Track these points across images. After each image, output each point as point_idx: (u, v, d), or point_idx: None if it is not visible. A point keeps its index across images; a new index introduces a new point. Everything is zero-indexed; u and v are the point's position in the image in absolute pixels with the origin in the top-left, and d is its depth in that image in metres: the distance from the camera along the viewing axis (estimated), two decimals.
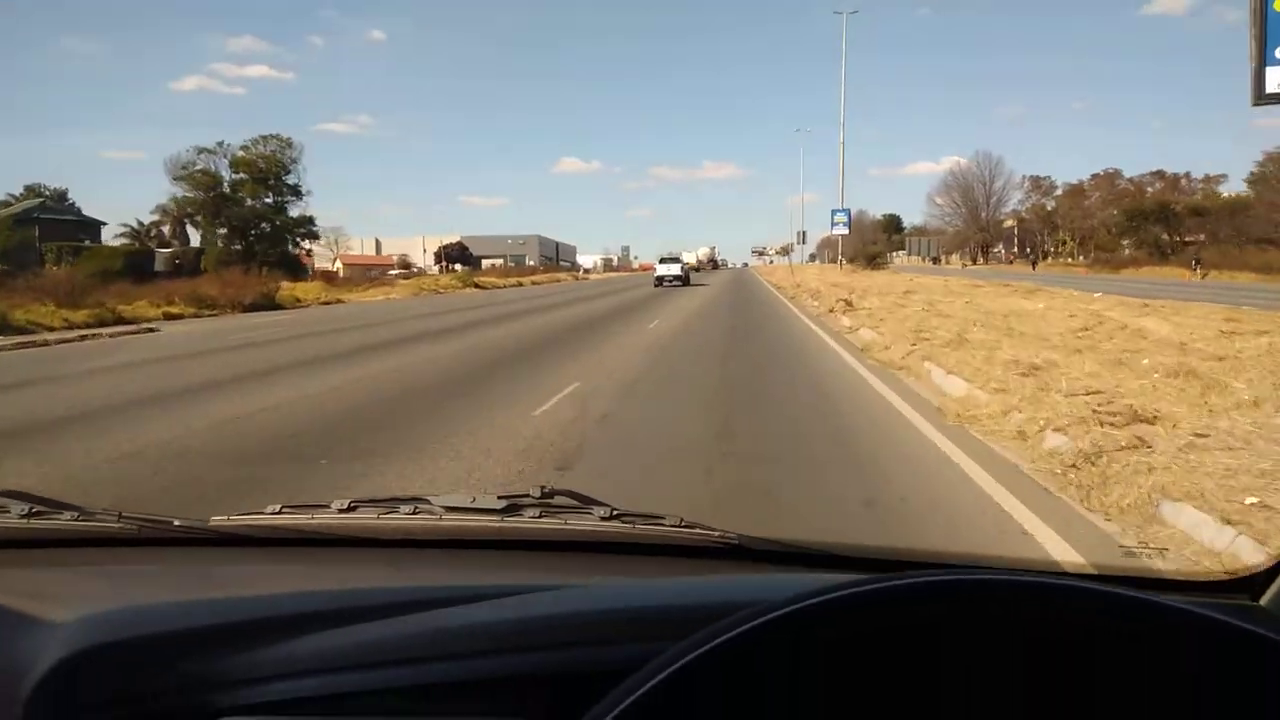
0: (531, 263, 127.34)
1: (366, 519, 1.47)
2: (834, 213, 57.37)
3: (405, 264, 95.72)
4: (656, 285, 47.33)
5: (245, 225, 53.11)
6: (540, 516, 1.42)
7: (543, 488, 1.51)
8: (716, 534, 1.36)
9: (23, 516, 1.45)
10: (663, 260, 51.90)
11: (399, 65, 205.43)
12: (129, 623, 0.99)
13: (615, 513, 1.42)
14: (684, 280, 49.13)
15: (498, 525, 1.41)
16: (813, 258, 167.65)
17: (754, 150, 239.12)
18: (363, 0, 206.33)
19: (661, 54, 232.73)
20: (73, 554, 1.46)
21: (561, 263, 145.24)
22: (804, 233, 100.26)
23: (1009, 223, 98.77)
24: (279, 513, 1.51)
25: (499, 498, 1.49)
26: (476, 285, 55.01)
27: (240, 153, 53.14)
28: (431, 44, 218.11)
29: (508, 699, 0.91)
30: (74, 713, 0.91)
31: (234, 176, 53.11)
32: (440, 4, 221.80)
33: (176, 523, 1.47)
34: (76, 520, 1.46)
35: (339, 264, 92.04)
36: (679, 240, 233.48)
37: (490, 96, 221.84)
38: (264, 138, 54.11)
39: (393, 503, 1.50)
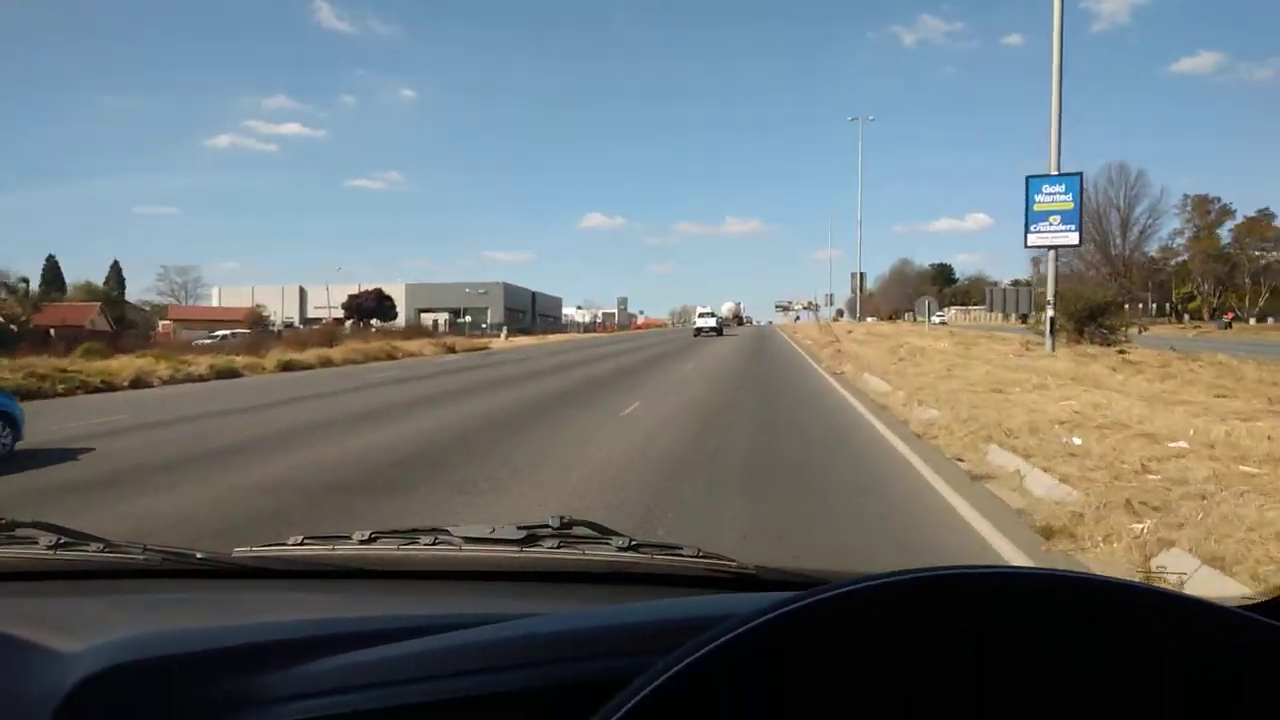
0: (491, 318, 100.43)
1: (387, 550, 1.50)
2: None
3: (258, 318, 67.27)
4: (695, 335, 55.45)
5: None
6: (559, 547, 1.45)
7: (561, 518, 1.53)
8: (734, 564, 1.40)
9: (50, 548, 1.48)
10: (700, 315, 63.47)
11: (428, 123, 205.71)
12: (147, 646, 1.00)
13: (633, 543, 1.45)
14: (718, 331, 57.47)
15: (516, 556, 1.44)
16: (839, 313, 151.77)
17: (777, 206, 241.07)
18: (394, 60, 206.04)
19: (686, 114, 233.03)
20: (97, 585, 1.47)
21: (543, 316, 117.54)
22: (831, 295, 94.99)
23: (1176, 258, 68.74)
24: (300, 544, 1.54)
25: (518, 528, 1.51)
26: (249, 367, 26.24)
27: None
28: (460, 103, 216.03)
29: (517, 712, 0.93)
30: None
31: None
32: (469, 64, 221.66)
33: (199, 554, 1.50)
34: (102, 552, 1.49)
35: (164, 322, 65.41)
36: (700, 296, 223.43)
37: (517, 153, 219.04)
38: None
39: (413, 534, 1.54)
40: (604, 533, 1.50)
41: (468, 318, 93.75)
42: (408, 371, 25.73)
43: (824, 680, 0.72)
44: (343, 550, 1.51)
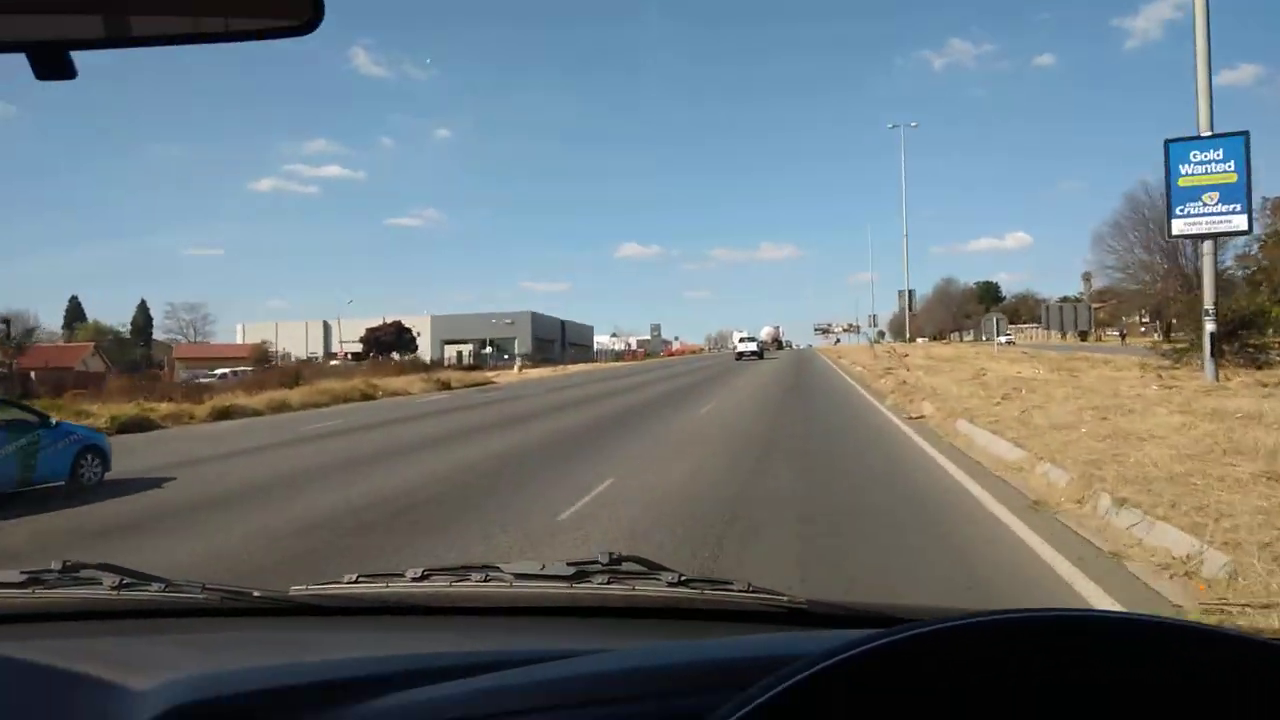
0: (518, 349, 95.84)
1: (439, 587, 1.51)
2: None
3: (263, 355, 62.87)
4: (737, 359, 58.77)
5: None
6: (609, 583, 1.45)
7: (611, 554, 1.52)
8: (785, 599, 1.39)
9: (113, 588, 1.50)
10: (741, 340, 68.88)
11: (464, 161, 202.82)
12: (210, 686, 1.01)
13: (683, 578, 1.44)
14: (759, 355, 62.64)
15: (568, 592, 1.44)
16: (881, 335, 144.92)
17: (812, 230, 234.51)
18: (430, 103, 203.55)
19: (718, 144, 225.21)
20: (159, 624, 1.49)
21: (573, 345, 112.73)
22: (875, 316, 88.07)
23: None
24: (355, 582, 1.55)
25: (568, 564, 1.51)
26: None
27: None
28: (495, 141, 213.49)
29: None
30: None
31: None
32: (502, 102, 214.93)
33: (256, 593, 1.52)
34: (163, 592, 1.52)
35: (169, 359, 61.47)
36: (736, 321, 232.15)
37: (552, 188, 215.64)
38: None
39: (464, 571, 1.54)
40: (653, 568, 1.51)
41: (489, 349, 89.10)
42: (361, 419, 20.50)
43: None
44: (396, 587, 1.52)
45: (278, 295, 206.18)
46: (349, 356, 72.41)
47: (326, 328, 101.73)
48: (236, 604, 1.51)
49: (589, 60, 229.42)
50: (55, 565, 1.59)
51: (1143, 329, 74.57)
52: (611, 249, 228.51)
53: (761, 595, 1.40)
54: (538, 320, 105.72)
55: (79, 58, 0.92)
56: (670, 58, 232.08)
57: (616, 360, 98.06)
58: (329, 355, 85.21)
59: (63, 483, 10.19)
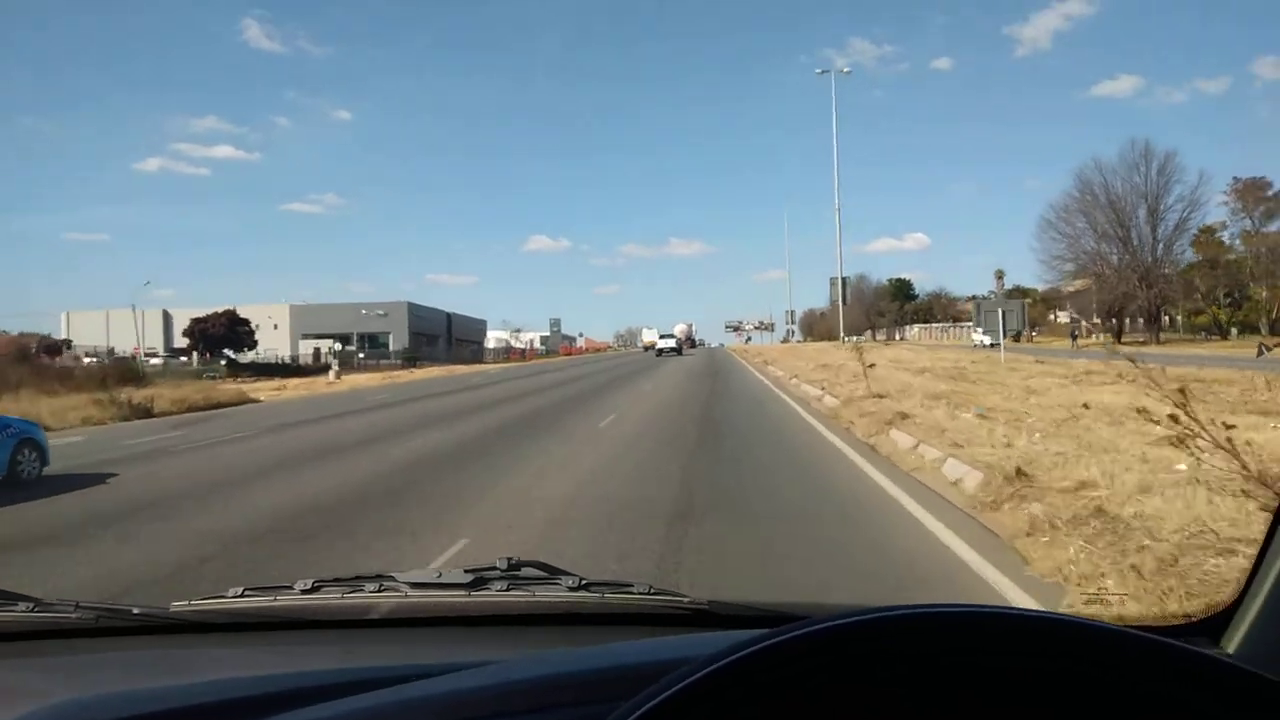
0: (394, 344, 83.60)
1: (330, 599, 1.45)
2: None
3: (22, 350, 48.81)
4: (657, 355, 61.87)
5: None
6: (508, 589, 1.42)
7: (509, 559, 1.51)
8: (686, 600, 1.39)
9: None
10: (662, 337, 73.60)
11: (366, 145, 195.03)
12: (80, 714, 0.97)
13: (584, 582, 1.42)
14: (678, 351, 65.73)
15: (464, 600, 1.41)
16: (790, 333, 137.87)
17: (720, 228, 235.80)
18: (326, 82, 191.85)
19: (626, 136, 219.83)
20: (29, 647, 1.41)
21: (461, 341, 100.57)
22: (793, 311, 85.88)
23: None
24: (241, 595, 1.49)
25: (465, 571, 1.47)
26: None
27: None
28: (398, 124, 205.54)
29: None
30: None
31: None
32: (406, 84, 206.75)
33: (135, 610, 1.46)
34: (32, 612, 1.43)
35: None
36: (647, 318, 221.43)
37: (459, 175, 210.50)
38: None
39: (357, 581, 1.49)
40: (553, 572, 1.48)
41: (340, 346, 76.55)
42: None
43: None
44: (285, 600, 1.46)
45: (167, 284, 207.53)
46: (206, 354, 59.35)
47: (167, 318, 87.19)
48: (113, 623, 1.43)
49: (495, 50, 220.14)
50: None
51: (1084, 329, 67.61)
52: (520, 241, 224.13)
53: (663, 598, 1.40)
54: (416, 312, 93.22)
55: None
56: (571, 43, 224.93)
57: (500, 362, 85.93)
58: (172, 350, 71.57)
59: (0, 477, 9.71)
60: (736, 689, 0.70)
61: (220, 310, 62.66)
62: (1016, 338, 76.17)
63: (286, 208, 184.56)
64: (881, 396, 14.04)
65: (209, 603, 1.48)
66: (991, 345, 39.40)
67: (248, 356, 64.55)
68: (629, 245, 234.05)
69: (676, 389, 22.44)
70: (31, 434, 10.58)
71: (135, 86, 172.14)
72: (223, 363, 57.62)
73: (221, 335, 60.84)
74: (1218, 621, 1.10)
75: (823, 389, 17.44)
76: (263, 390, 31.30)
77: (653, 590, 1.41)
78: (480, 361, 79.47)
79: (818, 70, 51.48)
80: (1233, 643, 1.07)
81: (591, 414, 16.43)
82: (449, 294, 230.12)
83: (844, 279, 49.64)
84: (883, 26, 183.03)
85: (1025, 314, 75.46)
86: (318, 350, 74.27)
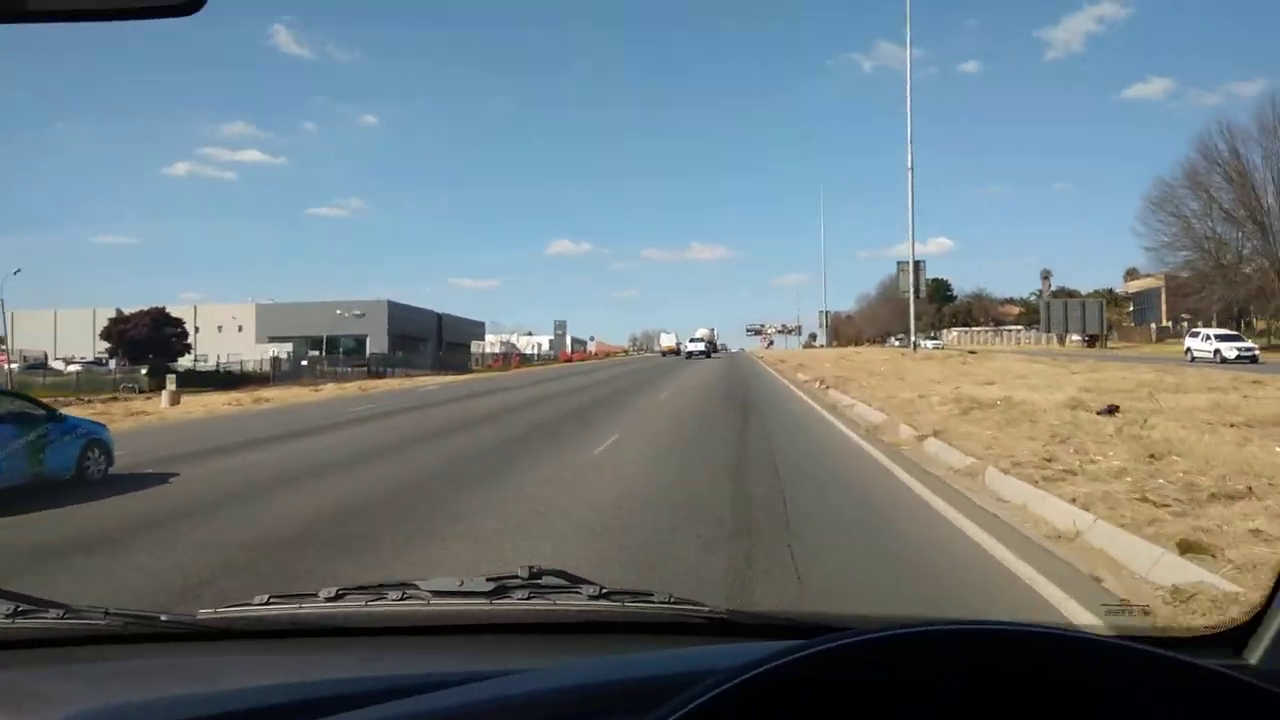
0: (373, 347, 73.39)
1: (354, 607, 1.45)
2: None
3: None
4: (687, 358, 64.14)
5: None
6: (529, 598, 1.42)
7: (531, 568, 1.49)
8: (706, 609, 1.39)
9: (7, 616, 1.42)
10: (691, 340, 77.87)
11: (391, 150, 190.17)
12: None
13: (604, 591, 1.42)
14: (707, 354, 68.24)
15: (487, 609, 1.41)
16: (813, 337, 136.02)
17: (741, 232, 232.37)
18: (355, 88, 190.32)
19: (651, 144, 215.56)
20: (59, 654, 1.42)
21: (453, 345, 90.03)
22: (827, 312, 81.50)
23: None
24: (267, 603, 1.49)
25: (487, 579, 1.47)
26: None
27: None
28: (424, 129, 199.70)
29: None
30: None
31: None
32: (431, 90, 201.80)
33: (163, 618, 1.47)
34: (62, 619, 1.44)
35: None
36: (666, 322, 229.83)
37: (482, 179, 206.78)
38: None
39: (380, 589, 1.49)
40: (574, 581, 1.48)
41: (313, 351, 66.29)
42: None
43: None
44: (309, 608, 1.46)
45: (191, 286, 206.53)
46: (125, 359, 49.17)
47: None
48: (142, 630, 1.44)
49: (520, 56, 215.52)
50: None
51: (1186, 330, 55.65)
52: (542, 245, 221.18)
53: (683, 607, 1.39)
54: (397, 312, 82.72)
55: None
56: (598, 55, 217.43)
57: (483, 370, 75.20)
58: (65, 358, 61.77)
59: (69, 477, 9.97)
60: (756, 701, 0.71)
61: (144, 310, 52.27)
62: (1092, 342, 65.40)
63: (312, 212, 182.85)
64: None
65: (235, 610, 1.48)
66: (1241, 357, 27.83)
67: (185, 362, 54.46)
68: (650, 249, 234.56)
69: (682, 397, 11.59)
70: (99, 435, 10.86)
71: (164, 92, 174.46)
72: (143, 371, 47.37)
73: (144, 338, 50.47)
74: (1241, 633, 1.11)
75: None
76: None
77: (673, 599, 1.40)
78: (467, 370, 68.70)
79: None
80: (1255, 654, 1.06)
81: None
82: (472, 297, 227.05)
83: (915, 263, 37.30)
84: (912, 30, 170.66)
85: (1104, 315, 64.06)
86: (276, 357, 64.02)
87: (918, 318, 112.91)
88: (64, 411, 11.23)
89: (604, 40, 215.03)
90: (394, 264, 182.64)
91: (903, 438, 11.55)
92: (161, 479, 10.25)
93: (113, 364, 52.21)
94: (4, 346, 56.50)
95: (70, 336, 76.16)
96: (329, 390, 35.04)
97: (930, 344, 70.91)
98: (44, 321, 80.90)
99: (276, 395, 31.04)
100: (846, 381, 22.56)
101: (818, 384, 23.48)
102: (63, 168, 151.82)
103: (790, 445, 11.79)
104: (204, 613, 1.47)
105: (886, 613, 2.86)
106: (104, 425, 11.72)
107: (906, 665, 0.73)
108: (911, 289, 37.98)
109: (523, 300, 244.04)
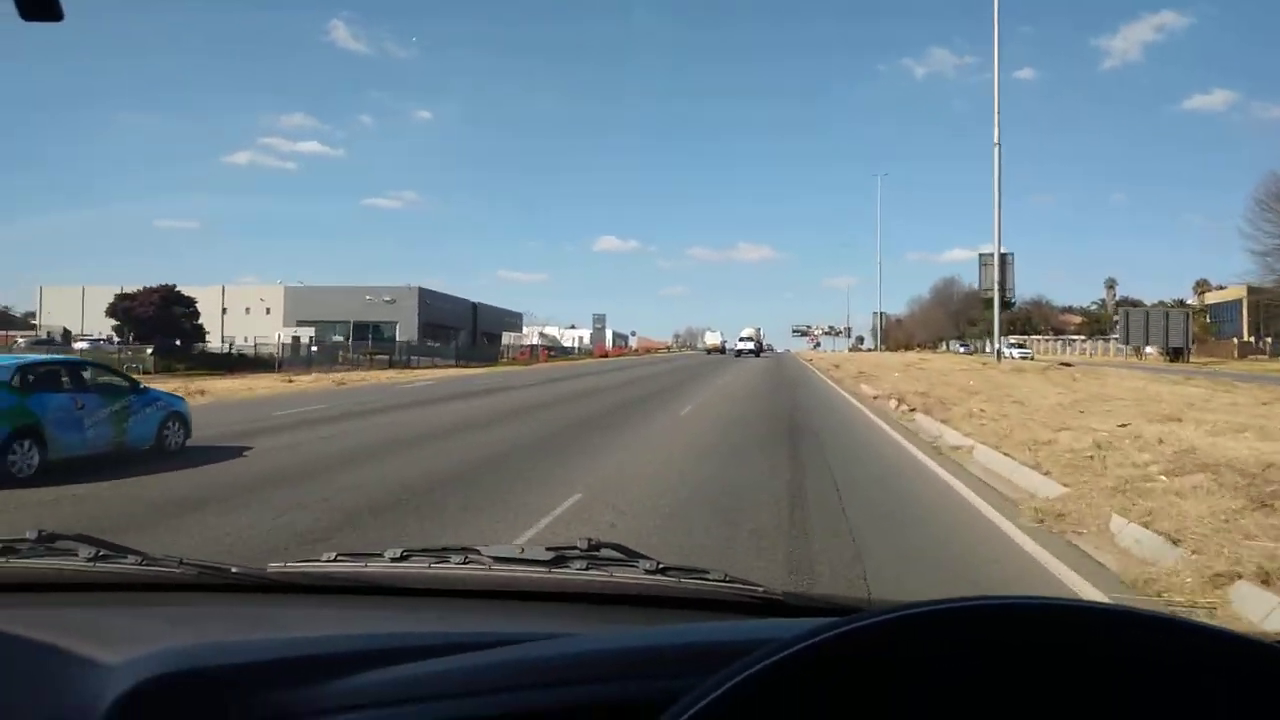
0: (401, 334, 70.38)
1: (418, 568, 1.50)
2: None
3: None
4: (736, 356, 68.56)
5: None
6: (587, 569, 1.44)
7: (589, 540, 1.52)
8: (760, 589, 1.40)
9: (89, 560, 1.48)
10: (740, 339, 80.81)
11: (445, 144, 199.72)
12: (185, 659, 1.00)
13: (661, 566, 1.43)
14: (755, 354, 72.76)
15: (545, 576, 1.44)
16: (860, 340, 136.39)
17: (789, 232, 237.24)
18: (411, 83, 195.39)
19: (700, 144, 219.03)
20: (135, 597, 1.47)
21: (483, 334, 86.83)
22: (881, 313, 79.33)
23: None
24: (334, 560, 1.55)
25: (547, 549, 1.51)
26: None
27: None
28: (477, 124, 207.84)
29: None
30: None
31: None
32: (485, 87, 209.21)
33: (234, 569, 1.50)
34: (140, 565, 1.49)
35: None
36: (711, 320, 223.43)
37: (533, 175, 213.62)
38: None
39: (443, 552, 1.54)
40: (632, 555, 1.49)
41: (338, 336, 63.36)
42: None
43: (860, 705, 0.74)
44: (375, 568, 1.50)
45: (250, 270, 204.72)
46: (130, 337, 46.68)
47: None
48: (214, 580, 1.47)
49: (575, 52, 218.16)
50: (30, 534, 1.53)
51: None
52: (590, 241, 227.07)
53: (738, 585, 1.40)
54: (431, 300, 79.64)
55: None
56: (653, 52, 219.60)
57: (510, 364, 71.33)
58: (81, 335, 59.69)
59: (148, 447, 10.41)
60: (810, 671, 0.72)
61: (154, 287, 49.49)
62: (1176, 355, 59.51)
63: (368, 202, 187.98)
64: None
65: (303, 565, 1.53)
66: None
67: (199, 344, 51.78)
68: (696, 248, 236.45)
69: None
70: (177, 408, 11.19)
71: (227, 84, 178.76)
72: (148, 351, 44.60)
73: (151, 317, 47.68)
74: None
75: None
76: None
77: (728, 578, 1.42)
78: (492, 363, 65.16)
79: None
80: None
81: None
82: (520, 290, 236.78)
83: (1001, 256, 31.25)
84: (963, 37, 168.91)
85: (1190, 326, 58.07)
86: (296, 340, 61.10)
87: (972, 324, 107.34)
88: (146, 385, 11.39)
89: (655, 45, 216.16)
90: (445, 254, 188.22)
91: (1172, 569, 5.16)
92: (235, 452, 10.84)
93: (125, 342, 49.64)
94: (34, 322, 54.56)
95: (95, 314, 74.75)
96: (304, 381, 31.34)
97: (1017, 353, 59.70)
98: (73, 298, 79.46)
99: (236, 386, 27.48)
100: (939, 404, 16.49)
101: (895, 404, 18.00)
102: (126, 154, 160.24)
103: (899, 559, 5.78)
104: (273, 566, 1.51)
105: None
106: (183, 399, 12.11)
107: (962, 639, 0.73)
108: (996, 286, 31.02)
109: (570, 294, 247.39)
